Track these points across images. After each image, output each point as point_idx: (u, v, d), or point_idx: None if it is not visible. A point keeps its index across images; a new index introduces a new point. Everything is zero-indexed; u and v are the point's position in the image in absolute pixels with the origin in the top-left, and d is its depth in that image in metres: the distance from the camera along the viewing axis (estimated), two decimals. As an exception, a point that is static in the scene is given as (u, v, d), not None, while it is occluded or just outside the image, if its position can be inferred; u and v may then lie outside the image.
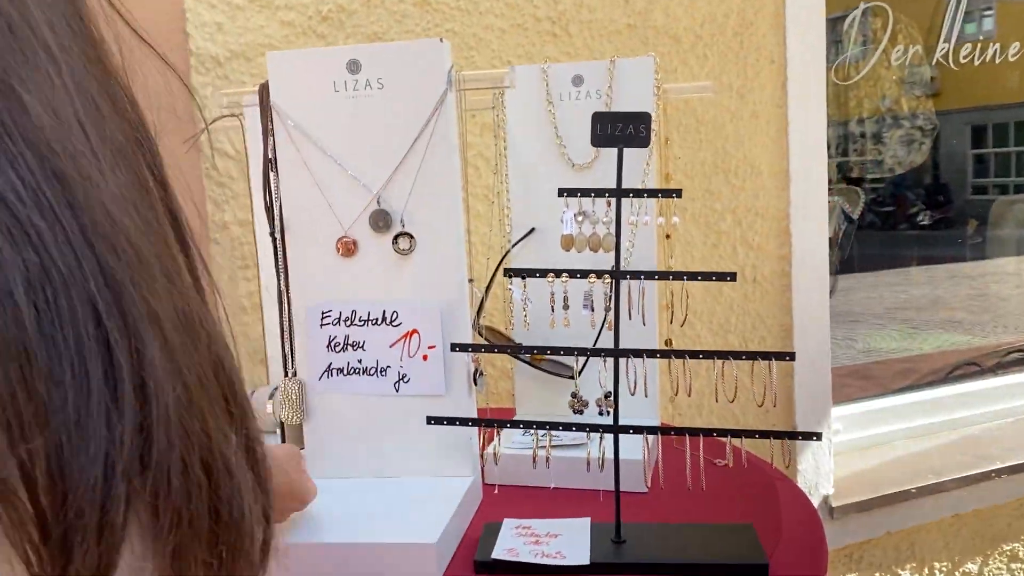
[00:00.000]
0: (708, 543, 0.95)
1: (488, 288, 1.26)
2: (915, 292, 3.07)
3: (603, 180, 1.17)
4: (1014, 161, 3.08)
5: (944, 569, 2.20)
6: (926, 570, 2.18)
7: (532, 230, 1.30)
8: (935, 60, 2.47)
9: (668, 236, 1.26)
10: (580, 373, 1.27)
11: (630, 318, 0.94)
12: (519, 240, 1.30)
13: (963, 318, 2.97)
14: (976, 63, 2.49)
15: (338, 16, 1.57)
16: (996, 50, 2.51)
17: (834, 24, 2.34)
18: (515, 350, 0.97)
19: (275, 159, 1.07)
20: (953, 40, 2.44)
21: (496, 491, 1.04)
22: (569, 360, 1.30)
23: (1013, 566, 2.28)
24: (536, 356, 1.29)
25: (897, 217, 3.09)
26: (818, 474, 2.02)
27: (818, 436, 0.90)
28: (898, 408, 2.36)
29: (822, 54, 1.94)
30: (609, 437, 0.94)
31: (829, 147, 2.00)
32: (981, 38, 2.54)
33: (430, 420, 0.96)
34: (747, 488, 1.12)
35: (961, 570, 2.22)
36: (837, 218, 2.66)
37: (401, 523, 0.96)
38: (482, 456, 1.14)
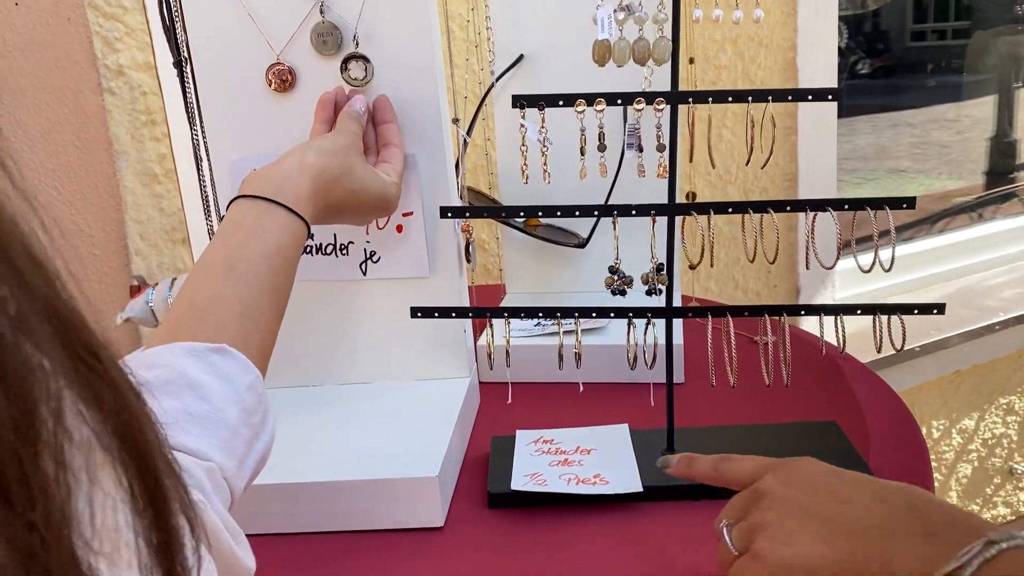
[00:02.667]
0: (786, 449, 0.74)
1: (468, 132, 0.98)
2: (859, 142, 2.93)
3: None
4: (953, 6, 2.94)
5: (941, 427, 2.09)
6: (924, 429, 2.07)
7: (521, 57, 1.01)
8: None
9: (692, 61, 0.98)
10: (588, 241, 1.02)
11: (690, 159, 0.68)
12: (506, 71, 1.01)
13: (908, 166, 2.88)
14: None
15: None
16: None
17: None
18: (531, 211, 0.71)
19: (170, -44, 0.76)
20: None
21: (508, 398, 0.80)
22: (569, 223, 1.04)
23: (1008, 419, 2.19)
24: (531, 222, 1.03)
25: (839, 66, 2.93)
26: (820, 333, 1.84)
27: (940, 309, 0.68)
28: (898, 260, 2.18)
29: None
30: (659, 322, 0.70)
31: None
32: None
33: (415, 312, 0.70)
34: (802, 369, 0.90)
35: (958, 427, 2.12)
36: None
37: (386, 450, 0.72)
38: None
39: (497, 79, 1.00)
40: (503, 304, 1.08)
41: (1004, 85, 2.77)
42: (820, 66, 1.71)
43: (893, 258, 0.67)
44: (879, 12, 2.91)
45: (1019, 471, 2.24)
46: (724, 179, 1.68)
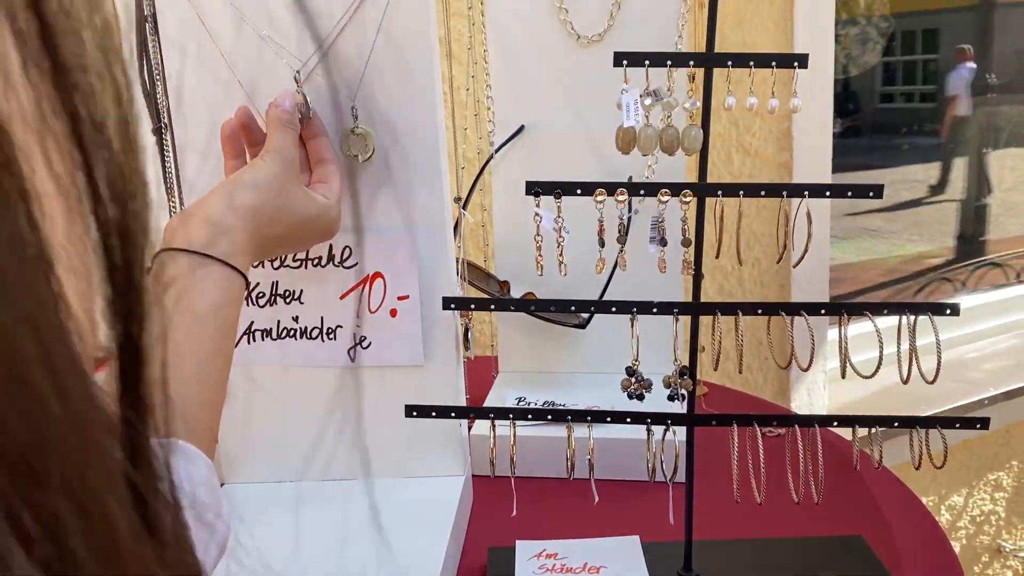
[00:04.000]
0: (811, 566, 0.67)
1: (464, 206, 0.93)
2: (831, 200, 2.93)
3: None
4: (920, 69, 3.00)
5: (930, 504, 2.04)
6: (913, 506, 2.02)
7: (521, 128, 0.96)
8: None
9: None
10: (588, 322, 0.96)
11: (716, 256, 0.63)
12: (505, 142, 0.96)
13: (880, 226, 2.88)
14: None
15: None
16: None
17: None
18: (542, 305, 0.65)
19: (154, 16, 0.70)
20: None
21: (513, 509, 0.73)
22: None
23: (997, 495, 2.14)
24: (529, 295, 0.98)
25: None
26: (812, 408, 1.80)
27: (984, 424, 0.62)
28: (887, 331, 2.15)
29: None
30: (679, 429, 0.64)
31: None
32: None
33: (411, 411, 0.63)
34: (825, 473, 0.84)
35: (946, 503, 2.07)
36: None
37: (369, 561, 0.64)
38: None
39: (497, 150, 0.95)
40: (496, 385, 1.01)
41: (973, 150, 2.80)
42: (815, 135, 1.69)
43: (939, 366, 0.62)
44: (848, 72, 2.95)
45: (1008, 548, 2.19)
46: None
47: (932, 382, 0.61)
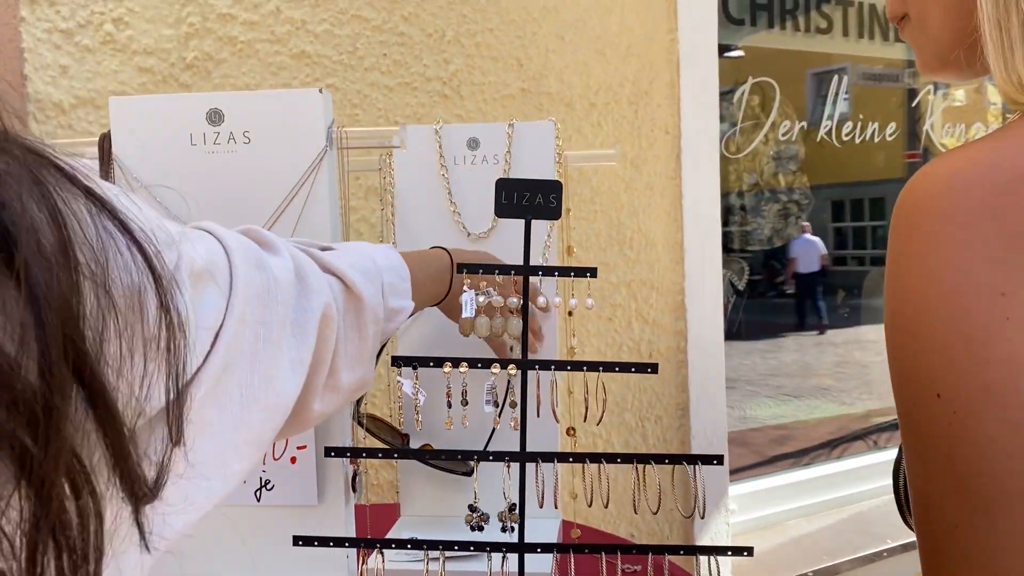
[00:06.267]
0: None
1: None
2: (785, 359, 3.13)
3: (501, 252, 1.05)
4: (869, 235, 3.27)
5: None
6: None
7: (421, 306, 1.16)
8: (819, 137, 2.52)
9: (570, 313, 1.15)
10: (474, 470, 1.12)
11: (538, 415, 0.81)
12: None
13: (831, 385, 3.03)
14: (857, 141, 2.56)
15: (204, 65, 1.41)
16: (875, 129, 2.59)
17: (722, 97, 2.35)
18: (405, 454, 0.82)
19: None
20: (836, 118, 2.50)
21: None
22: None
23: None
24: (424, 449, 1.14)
25: (765, 286, 3.20)
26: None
27: (749, 551, 0.79)
28: (792, 487, 2.31)
29: (716, 126, 1.92)
30: (513, 555, 0.80)
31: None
32: (861, 117, 2.61)
33: (297, 540, 0.79)
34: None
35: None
36: (725, 290, 2.65)
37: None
38: (360, 571, 0.97)
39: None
40: (396, 527, 1.16)
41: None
42: (707, 306, 1.92)
43: (705, 508, 0.79)
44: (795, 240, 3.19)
45: None
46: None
47: (689, 517, 0.77)
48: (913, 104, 2.80)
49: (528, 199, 0.77)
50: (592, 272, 0.77)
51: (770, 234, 2.94)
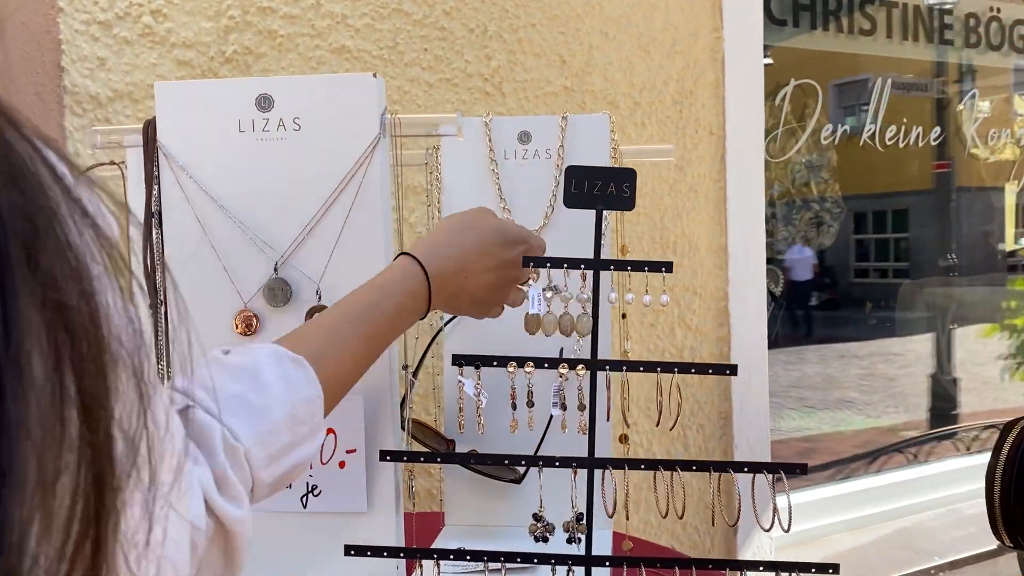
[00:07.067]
0: None
1: (415, 373, 1.06)
2: (808, 371, 3.07)
3: (555, 251, 1.00)
4: (892, 247, 3.21)
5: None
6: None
7: (469, 306, 1.11)
8: (862, 141, 2.46)
9: (624, 316, 1.09)
10: (524, 477, 1.07)
11: (608, 418, 0.76)
12: (452, 318, 1.11)
13: (855, 397, 2.97)
14: (901, 145, 2.49)
15: (244, 58, 1.38)
16: (919, 133, 2.53)
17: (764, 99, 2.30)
18: (464, 460, 0.77)
19: (160, 213, 0.86)
20: (879, 122, 2.44)
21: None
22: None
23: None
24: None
25: (788, 298, 3.19)
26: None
27: (835, 569, 0.74)
28: (833, 500, 2.24)
29: (761, 127, 1.86)
30: (578, 568, 0.74)
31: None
32: (905, 121, 2.54)
33: (349, 550, 0.74)
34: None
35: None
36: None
37: None
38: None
39: (446, 324, 1.10)
40: (441, 537, 1.11)
41: (936, 327, 2.98)
42: (751, 312, 1.86)
43: (791, 517, 0.73)
44: (825, 250, 3.17)
45: None
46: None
47: (787, 530, 0.72)
48: (946, 110, 2.74)
49: (600, 188, 0.72)
50: (668, 267, 0.72)
51: (801, 243, 2.89)
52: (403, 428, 1.04)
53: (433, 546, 1.08)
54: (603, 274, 0.75)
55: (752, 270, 1.86)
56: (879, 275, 3.32)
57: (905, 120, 2.51)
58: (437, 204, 1.13)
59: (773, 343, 2.63)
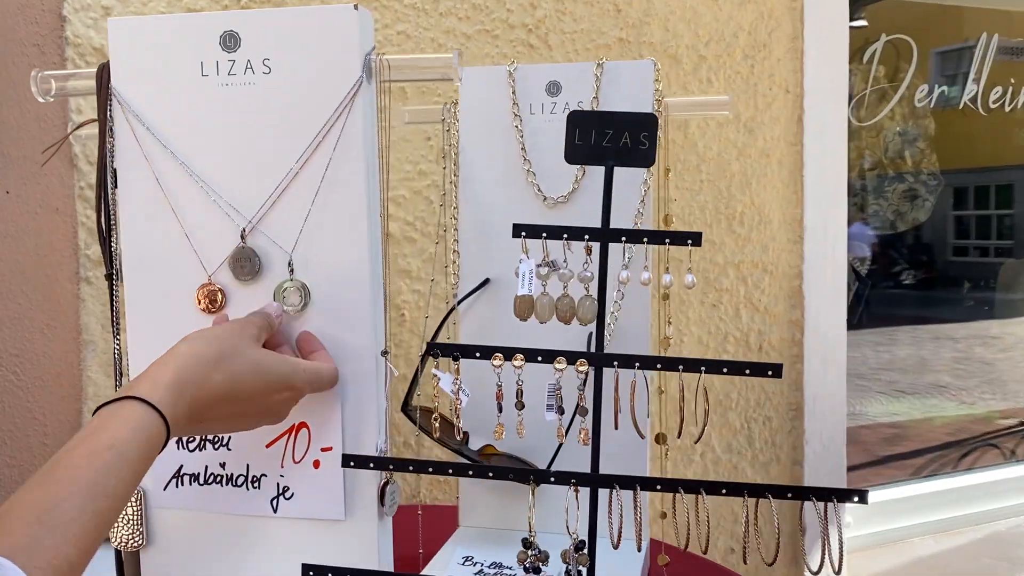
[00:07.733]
0: None
1: (425, 355, 0.94)
2: (899, 353, 2.87)
3: (584, 221, 0.85)
4: (994, 224, 2.98)
5: None
6: None
7: (486, 281, 0.98)
8: (963, 103, 2.20)
9: (666, 297, 0.94)
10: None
11: (616, 426, 0.62)
12: (467, 295, 0.97)
13: (949, 382, 2.77)
14: (1007, 108, 2.23)
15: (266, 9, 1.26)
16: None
17: (851, 57, 2.08)
18: (443, 469, 0.64)
19: (115, 170, 0.75)
20: (982, 82, 2.18)
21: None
22: (526, 457, 0.97)
23: None
24: (485, 451, 0.96)
25: (879, 276, 2.97)
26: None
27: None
28: (915, 499, 2.03)
29: (845, 85, 1.66)
30: (578, 608, 0.61)
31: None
32: (1012, 81, 2.27)
33: (308, 571, 0.62)
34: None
35: None
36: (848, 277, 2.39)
37: None
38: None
39: (460, 301, 0.97)
40: (451, 541, 0.99)
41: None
42: (829, 293, 1.67)
43: (841, 556, 0.58)
44: (921, 226, 2.96)
45: None
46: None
47: (838, 572, 0.57)
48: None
49: (611, 139, 0.57)
50: (695, 239, 0.57)
51: (892, 218, 2.67)
52: (408, 416, 0.92)
53: (440, 552, 0.96)
54: (630, 250, 0.60)
55: (832, 246, 1.67)
56: (979, 253, 3.08)
57: (1013, 80, 2.24)
58: (455, 165, 1.00)
59: (859, 323, 2.44)
